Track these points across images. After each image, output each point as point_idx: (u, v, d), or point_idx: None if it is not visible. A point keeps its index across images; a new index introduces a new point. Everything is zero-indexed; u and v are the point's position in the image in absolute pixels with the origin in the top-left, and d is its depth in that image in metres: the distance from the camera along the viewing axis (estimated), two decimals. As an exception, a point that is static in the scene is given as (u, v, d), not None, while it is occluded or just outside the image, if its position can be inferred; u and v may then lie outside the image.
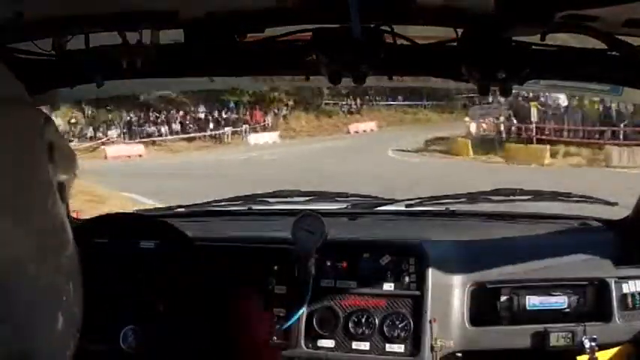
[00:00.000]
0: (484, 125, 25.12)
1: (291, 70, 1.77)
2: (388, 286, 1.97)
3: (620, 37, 1.29)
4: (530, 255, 2.03)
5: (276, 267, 2.01)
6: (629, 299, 1.94)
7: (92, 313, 1.86)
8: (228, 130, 31.40)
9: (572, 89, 2.22)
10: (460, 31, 1.37)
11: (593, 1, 1.15)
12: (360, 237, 2.11)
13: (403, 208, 2.36)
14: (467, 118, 25.95)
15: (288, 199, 2.49)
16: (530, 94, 21.88)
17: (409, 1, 1.26)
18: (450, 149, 22.50)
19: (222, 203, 2.48)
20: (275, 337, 1.94)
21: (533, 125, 22.18)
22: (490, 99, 23.04)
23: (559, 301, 1.94)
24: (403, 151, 23.57)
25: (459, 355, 1.94)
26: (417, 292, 1.94)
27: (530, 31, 1.29)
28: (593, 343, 1.88)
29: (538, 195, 2.41)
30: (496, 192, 2.35)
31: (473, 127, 25.08)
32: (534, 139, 21.37)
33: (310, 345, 1.95)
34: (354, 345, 1.93)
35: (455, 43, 1.39)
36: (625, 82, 1.68)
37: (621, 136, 19.76)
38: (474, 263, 1.99)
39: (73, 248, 0.62)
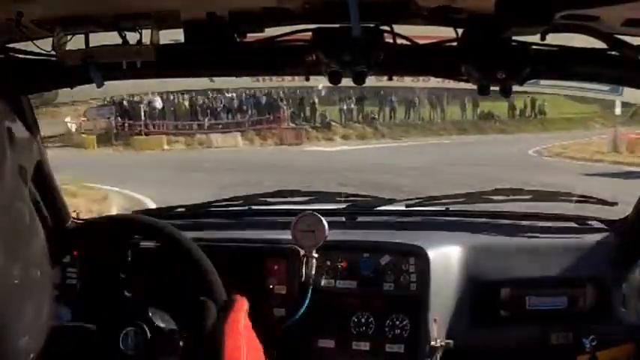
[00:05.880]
0: (98, 124, 29.48)
1: (291, 70, 1.77)
2: (388, 286, 1.97)
3: (620, 37, 1.29)
4: (530, 255, 2.03)
5: (276, 267, 2.01)
6: (629, 299, 1.94)
7: (92, 314, 1.85)
8: None
9: (572, 89, 2.23)
10: (460, 31, 1.37)
11: (593, 1, 1.15)
12: (360, 237, 2.11)
13: (403, 208, 2.36)
14: (68, 118, 29.10)
15: (289, 199, 2.49)
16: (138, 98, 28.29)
17: (409, 1, 1.26)
18: (75, 143, 26.20)
19: (223, 203, 2.48)
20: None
21: (150, 122, 28.90)
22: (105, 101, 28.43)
23: (559, 301, 1.95)
24: None
25: (459, 355, 1.94)
26: (417, 292, 1.94)
27: (530, 31, 1.29)
28: (593, 343, 1.88)
29: (538, 195, 2.41)
30: (496, 192, 2.35)
31: (90, 125, 29.26)
32: (150, 132, 28.58)
33: (310, 345, 1.95)
34: (354, 345, 1.93)
35: (455, 43, 1.39)
36: (625, 82, 1.69)
37: (205, 127, 29.10)
38: (473, 263, 1.99)
39: (41, 237, 0.62)
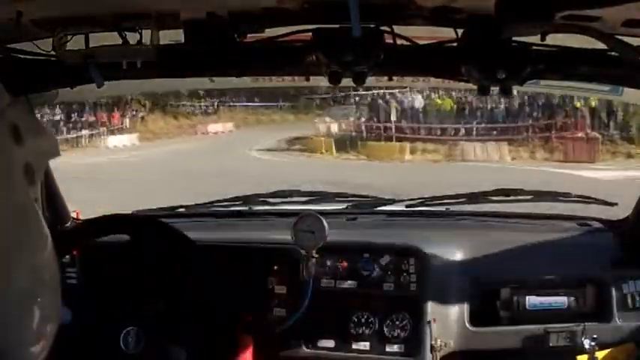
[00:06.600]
0: (343, 125, 26.15)
1: (291, 70, 1.78)
2: (388, 287, 1.97)
3: (620, 37, 1.28)
4: (530, 255, 2.03)
5: (276, 267, 2.01)
6: (629, 299, 1.94)
7: (92, 313, 1.85)
8: (85, 132, 29.44)
9: (572, 89, 2.23)
10: (460, 31, 1.37)
11: (593, 1, 1.15)
12: (360, 237, 2.11)
13: (403, 209, 2.36)
14: (327, 118, 26.65)
15: (289, 200, 2.49)
16: (387, 95, 24.15)
17: (409, 1, 1.26)
18: (311, 148, 23.21)
19: (223, 203, 2.48)
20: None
21: (393, 124, 23.51)
22: (351, 100, 25.51)
23: (559, 301, 1.94)
24: (265, 150, 23.46)
25: (459, 355, 1.94)
26: (417, 293, 1.94)
27: (530, 31, 1.29)
28: (593, 343, 1.88)
29: (538, 195, 2.41)
30: (496, 192, 2.35)
31: (334, 127, 26.02)
32: (394, 137, 22.83)
33: (310, 345, 1.95)
34: (354, 345, 1.94)
35: (455, 43, 1.39)
36: (625, 82, 1.68)
37: (474, 133, 22.10)
38: (474, 263, 2.00)
39: (48, 238, 0.61)
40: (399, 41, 1.40)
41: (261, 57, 1.50)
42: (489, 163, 17.63)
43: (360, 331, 1.93)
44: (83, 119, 30.98)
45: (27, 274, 0.57)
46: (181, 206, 2.46)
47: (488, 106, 22.74)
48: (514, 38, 1.35)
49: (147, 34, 1.37)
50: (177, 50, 1.44)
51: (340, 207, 2.37)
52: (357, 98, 26.24)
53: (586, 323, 1.91)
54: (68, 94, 1.87)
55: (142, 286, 1.83)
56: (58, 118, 30.47)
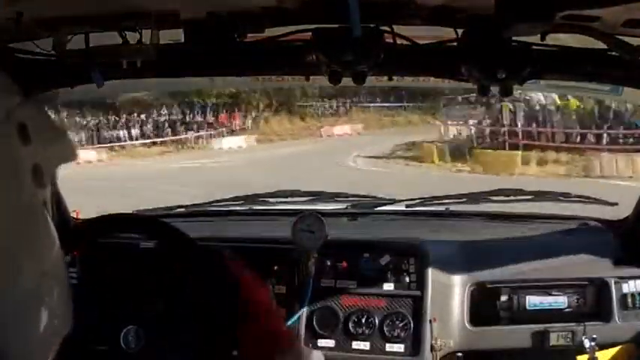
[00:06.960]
0: (456, 129, 22.69)
1: (291, 70, 1.78)
2: (388, 286, 1.97)
3: (620, 37, 1.29)
4: (530, 255, 2.03)
5: (276, 267, 2.01)
6: (629, 299, 1.94)
7: (92, 313, 1.85)
8: (191, 134, 28.87)
9: (572, 89, 2.23)
10: (460, 31, 1.37)
11: (593, 1, 1.15)
12: (360, 237, 2.12)
13: (403, 208, 2.36)
14: (437, 122, 24.19)
15: (289, 199, 2.49)
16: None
17: (409, 1, 1.26)
18: (417, 156, 20.37)
19: (223, 203, 2.48)
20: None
21: (505, 128, 19.46)
22: (459, 99, 21.63)
23: (559, 301, 1.95)
24: (367, 157, 21.11)
25: (459, 354, 1.95)
26: (417, 292, 1.94)
27: (530, 31, 1.29)
28: (593, 343, 1.88)
29: (538, 195, 2.41)
30: (496, 192, 2.35)
31: (444, 131, 23.03)
32: (507, 143, 18.78)
33: (310, 345, 1.95)
34: (354, 345, 1.94)
35: (455, 43, 1.39)
36: (625, 82, 1.68)
37: (604, 141, 17.68)
38: (474, 263, 2.00)
39: (56, 240, 0.61)
40: (399, 41, 1.40)
41: (261, 57, 1.50)
42: (619, 181, 13.76)
43: (360, 331, 1.93)
44: (188, 120, 30.23)
45: (34, 275, 0.57)
46: (181, 206, 2.46)
47: (623, 108, 17.56)
48: (514, 38, 1.35)
49: (147, 34, 1.37)
50: (177, 50, 1.44)
51: (340, 207, 2.37)
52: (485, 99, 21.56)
53: (586, 323, 1.91)
54: (68, 94, 1.87)
55: (142, 286, 1.82)
56: (163, 119, 29.78)
